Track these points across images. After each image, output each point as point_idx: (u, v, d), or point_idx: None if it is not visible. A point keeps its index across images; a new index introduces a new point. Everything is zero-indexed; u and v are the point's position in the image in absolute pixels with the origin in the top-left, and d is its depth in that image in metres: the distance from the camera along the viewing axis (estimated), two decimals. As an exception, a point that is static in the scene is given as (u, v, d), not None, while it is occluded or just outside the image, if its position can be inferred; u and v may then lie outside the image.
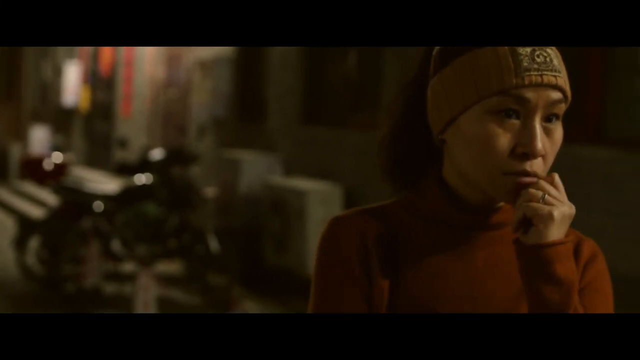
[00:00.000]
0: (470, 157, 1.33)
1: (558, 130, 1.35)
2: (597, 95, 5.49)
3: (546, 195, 1.29)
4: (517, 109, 1.30)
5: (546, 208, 1.28)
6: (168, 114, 12.08)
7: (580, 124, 5.58)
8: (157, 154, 8.04)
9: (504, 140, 1.30)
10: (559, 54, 1.35)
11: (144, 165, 7.94)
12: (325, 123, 8.25)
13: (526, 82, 1.29)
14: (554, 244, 1.27)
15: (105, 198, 7.75)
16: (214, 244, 7.41)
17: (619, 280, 5.88)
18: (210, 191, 8.38)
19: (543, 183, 1.30)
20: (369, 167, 5.30)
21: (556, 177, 1.32)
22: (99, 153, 14.45)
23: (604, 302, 1.39)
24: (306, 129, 8.51)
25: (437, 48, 1.38)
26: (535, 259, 1.28)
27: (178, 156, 7.89)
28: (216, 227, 7.69)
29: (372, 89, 7.47)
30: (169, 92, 12.08)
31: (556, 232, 1.28)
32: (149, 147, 9.48)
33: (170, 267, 8.32)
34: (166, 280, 7.82)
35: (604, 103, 5.47)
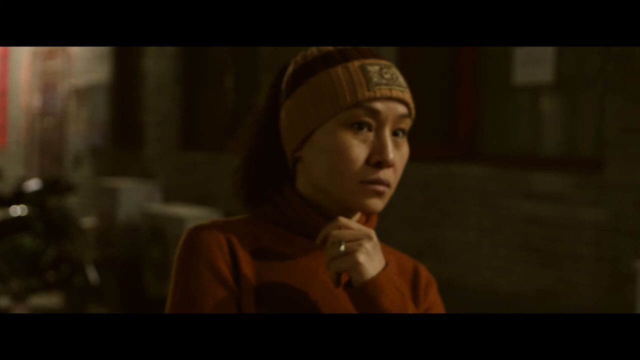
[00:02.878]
0: (328, 169, 1.39)
1: (405, 145, 1.43)
2: (469, 113, 5.59)
3: (343, 244, 1.33)
4: (369, 121, 1.38)
5: (350, 258, 1.32)
6: (44, 143, 11.82)
7: (454, 142, 5.67)
8: (33, 184, 7.85)
9: (358, 150, 1.37)
10: (401, 75, 1.45)
11: (19, 196, 7.74)
12: (204, 148, 8.20)
13: (377, 94, 1.38)
14: (372, 281, 1.32)
15: (-22, 232, 7.50)
16: (93, 275, 7.26)
17: (495, 296, 5.97)
18: (88, 221, 8.21)
19: (335, 233, 1.34)
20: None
21: (340, 219, 1.36)
22: (-26, 186, 14.01)
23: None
24: (184, 155, 8.44)
25: (289, 72, 1.46)
26: (363, 300, 1.32)
27: (54, 186, 7.72)
28: (95, 257, 7.54)
29: (249, 112, 7.45)
30: (45, 122, 11.83)
31: (371, 269, 1.32)
32: (24, 178, 9.23)
33: (49, 300, 8.10)
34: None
35: (476, 121, 5.57)
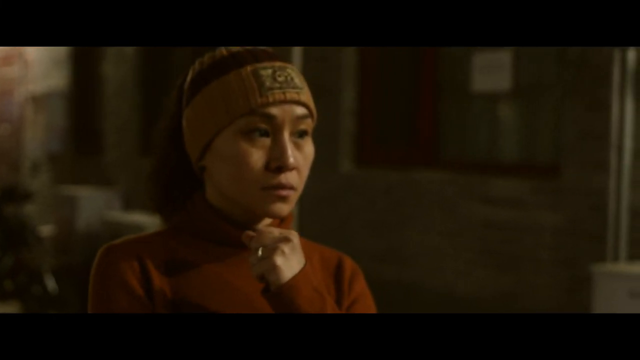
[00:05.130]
0: (229, 177, 1.39)
1: (308, 145, 1.42)
2: (429, 119, 5.64)
3: (260, 249, 1.34)
4: (265, 127, 1.38)
5: (267, 262, 1.33)
6: (1, 150, 11.70)
7: (415, 147, 5.72)
8: (-12, 192, 7.76)
9: (256, 157, 1.37)
10: (300, 74, 1.43)
11: (-25, 204, 7.64)
12: (164, 155, 8.15)
13: (270, 99, 1.37)
14: (289, 284, 1.32)
15: None
16: (51, 284, 7.19)
17: (458, 300, 6.03)
18: (46, 229, 8.14)
19: (255, 239, 1.36)
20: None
21: (261, 228, 1.39)
22: None
23: (372, 310, 1.49)
24: (145, 162, 8.39)
25: (187, 79, 1.45)
26: (280, 303, 1.33)
27: (11, 194, 7.64)
28: (53, 266, 7.47)
29: (160, 116, 7.44)
30: (2, 128, 11.71)
31: (287, 271, 1.33)
32: (-20, 186, 9.13)
33: (7, 309, 8.01)
34: (2, 323, 7.51)
35: (437, 127, 5.63)
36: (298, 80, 1.41)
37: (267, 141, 1.38)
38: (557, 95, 4.95)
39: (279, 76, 1.39)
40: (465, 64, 5.40)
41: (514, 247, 4.99)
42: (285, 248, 1.34)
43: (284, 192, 1.38)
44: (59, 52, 9.92)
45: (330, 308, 1.35)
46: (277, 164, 1.37)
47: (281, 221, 1.47)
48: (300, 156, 1.40)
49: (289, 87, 1.39)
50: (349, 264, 1.51)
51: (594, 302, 4.02)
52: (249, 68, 1.39)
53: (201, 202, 1.44)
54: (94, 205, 8.05)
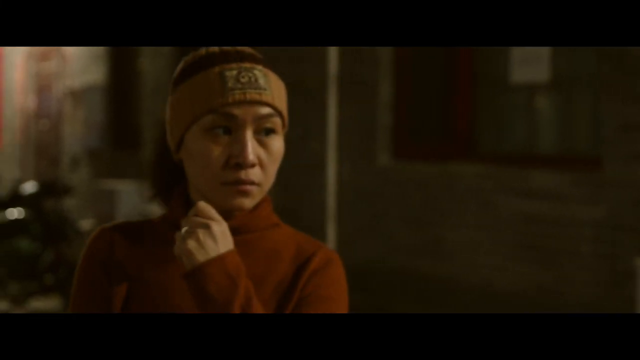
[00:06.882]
0: (195, 172, 1.48)
1: (275, 143, 1.48)
2: (467, 112, 5.60)
3: (183, 231, 1.41)
4: (227, 125, 1.45)
5: (181, 245, 1.40)
6: (40, 145, 11.80)
7: (451, 141, 5.68)
8: (29, 187, 7.82)
9: (217, 153, 1.44)
10: (269, 75, 1.49)
11: (16, 199, 7.70)
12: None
13: (230, 100, 1.44)
14: (199, 267, 1.39)
15: (-25, 235, 7.48)
16: (91, 278, 7.24)
17: (496, 295, 5.98)
18: (86, 223, 8.19)
19: (183, 221, 1.42)
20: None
21: (199, 204, 1.43)
22: (-30, 188, 13.98)
23: (332, 308, 1.49)
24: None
25: (173, 77, 1.54)
26: (191, 286, 1.41)
27: (51, 189, 7.69)
28: (93, 260, 7.50)
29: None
30: (40, 124, 11.81)
31: (199, 256, 1.39)
32: (20, 181, 9.21)
33: (47, 303, 8.09)
34: (43, 317, 7.59)
35: (474, 119, 5.58)
36: (263, 81, 1.47)
37: (228, 139, 1.46)
38: (596, 87, 4.89)
39: (243, 77, 1.46)
40: (503, 56, 5.35)
41: (554, 242, 4.94)
42: (201, 234, 1.39)
43: (243, 188, 1.45)
44: (97, 47, 9.98)
45: (243, 298, 1.39)
46: (236, 161, 1.44)
47: (255, 209, 1.52)
48: (265, 154, 1.47)
49: (251, 87, 1.45)
50: (318, 259, 1.52)
51: (637, 296, 3.96)
52: (216, 69, 1.47)
53: (178, 194, 1.54)
54: (133, 199, 8.10)
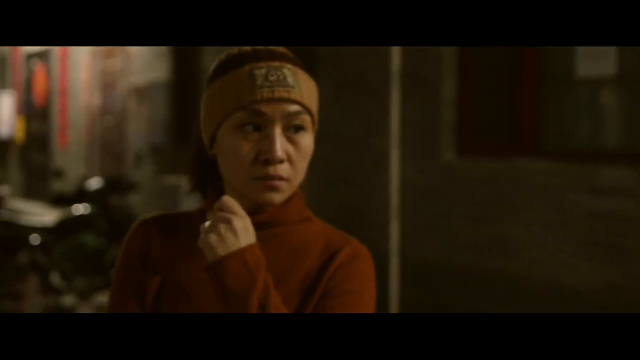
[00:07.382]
0: (227, 168, 1.53)
1: (304, 140, 1.52)
2: (532, 108, 5.54)
3: (207, 224, 1.45)
4: (256, 122, 1.50)
5: (203, 239, 1.44)
6: (105, 142, 11.95)
7: (518, 137, 5.62)
8: (94, 183, 7.93)
9: (247, 150, 1.49)
10: (299, 73, 1.53)
11: (82, 195, 7.81)
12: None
13: (259, 97, 1.48)
14: (219, 261, 1.42)
15: (42, 230, 7.61)
16: (155, 273, 7.32)
17: (563, 293, 5.90)
18: (150, 219, 8.26)
19: (209, 215, 1.47)
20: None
21: (223, 199, 1.46)
22: (36, 185, 14.22)
23: (356, 303, 1.50)
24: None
25: (209, 75, 1.59)
26: (212, 279, 1.44)
27: (116, 185, 7.79)
28: (157, 255, 7.58)
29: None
30: (105, 121, 11.96)
31: (219, 249, 1.43)
32: (86, 177, 9.35)
33: (113, 298, 8.19)
34: (108, 312, 7.68)
35: (539, 115, 5.52)
36: (292, 79, 1.51)
37: (258, 135, 1.50)
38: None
39: (272, 76, 1.50)
40: (569, 51, 5.27)
41: (623, 239, 4.86)
42: (223, 228, 1.43)
43: (272, 183, 1.49)
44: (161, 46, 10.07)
45: (262, 292, 1.41)
46: (265, 157, 1.49)
47: (286, 203, 1.55)
48: (294, 151, 1.51)
49: (280, 85, 1.49)
50: (345, 254, 1.55)
51: None
52: (247, 68, 1.51)
53: (213, 189, 1.59)
54: (195, 194, 8.16)
